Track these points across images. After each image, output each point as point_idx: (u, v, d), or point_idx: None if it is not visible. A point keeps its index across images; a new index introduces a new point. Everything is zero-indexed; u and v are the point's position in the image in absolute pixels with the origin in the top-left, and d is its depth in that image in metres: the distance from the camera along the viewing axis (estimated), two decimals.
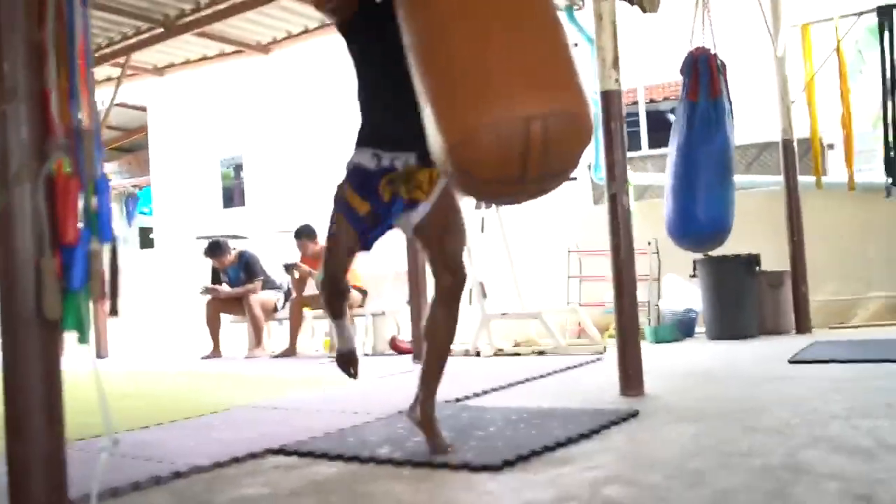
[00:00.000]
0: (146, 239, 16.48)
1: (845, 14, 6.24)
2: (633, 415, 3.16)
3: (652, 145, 10.52)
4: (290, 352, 7.11)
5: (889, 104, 5.72)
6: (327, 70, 12.70)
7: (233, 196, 15.53)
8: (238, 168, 15.39)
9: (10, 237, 1.81)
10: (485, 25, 2.21)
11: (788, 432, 2.65)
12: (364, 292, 7.21)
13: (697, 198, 5.31)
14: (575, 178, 6.84)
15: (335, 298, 2.94)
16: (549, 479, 2.28)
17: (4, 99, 1.82)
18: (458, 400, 3.86)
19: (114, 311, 2.30)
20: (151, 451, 3.00)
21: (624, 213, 3.84)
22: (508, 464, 2.46)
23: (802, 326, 6.19)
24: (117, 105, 9.15)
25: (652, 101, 10.87)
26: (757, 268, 6.13)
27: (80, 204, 1.85)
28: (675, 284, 6.63)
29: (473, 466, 2.47)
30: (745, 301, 6.08)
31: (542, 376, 4.66)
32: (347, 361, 3.07)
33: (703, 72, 5.30)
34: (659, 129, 10.66)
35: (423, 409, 2.76)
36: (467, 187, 2.31)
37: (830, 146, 8.67)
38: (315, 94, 13.24)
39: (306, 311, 7.37)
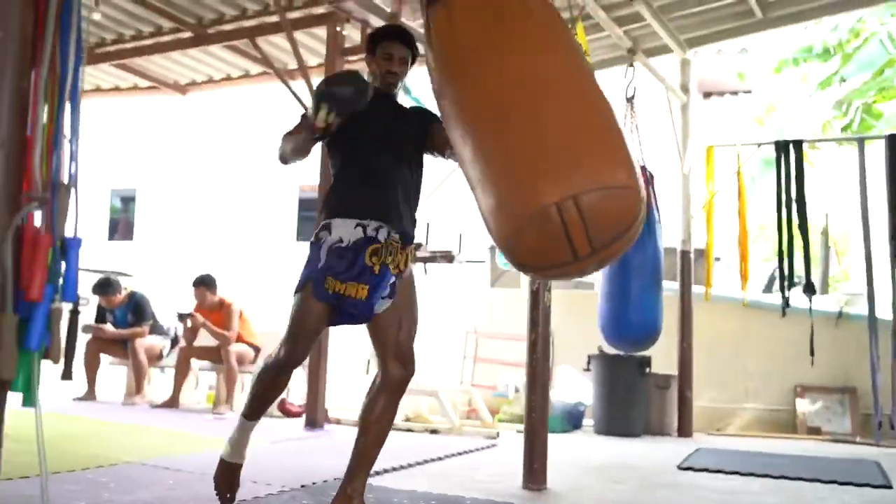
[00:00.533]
0: None
1: (746, 143, 6.72)
2: None
3: None
4: (173, 402, 6.82)
5: (784, 229, 6.13)
6: (244, 117, 12.57)
7: (118, 228, 14.96)
8: (127, 201, 14.86)
9: None
10: (502, 119, 2.28)
11: None
12: (257, 349, 7.04)
13: (632, 302, 5.52)
14: (483, 261, 6.96)
15: (274, 389, 2.86)
16: None
17: None
18: None
19: (67, 376, 2.14)
20: None
21: (544, 309, 3.94)
22: None
23: (685, 430, 6.45)
24: None
25: None
26: (647, 369, 6.38)
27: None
28: (568, 376, 6.80)
29: None
30: (634, 400, 6.30)
31: (439, 458, 4.66)
32: (230, 479, 2.86)
33: None
34: None
35: (361, 500, 2.69)
36: (530, 275, 2.44)
37: (717, 259, 9.21)
38: (228, 138, 13.04)
39: (193, 362, 7.13)
